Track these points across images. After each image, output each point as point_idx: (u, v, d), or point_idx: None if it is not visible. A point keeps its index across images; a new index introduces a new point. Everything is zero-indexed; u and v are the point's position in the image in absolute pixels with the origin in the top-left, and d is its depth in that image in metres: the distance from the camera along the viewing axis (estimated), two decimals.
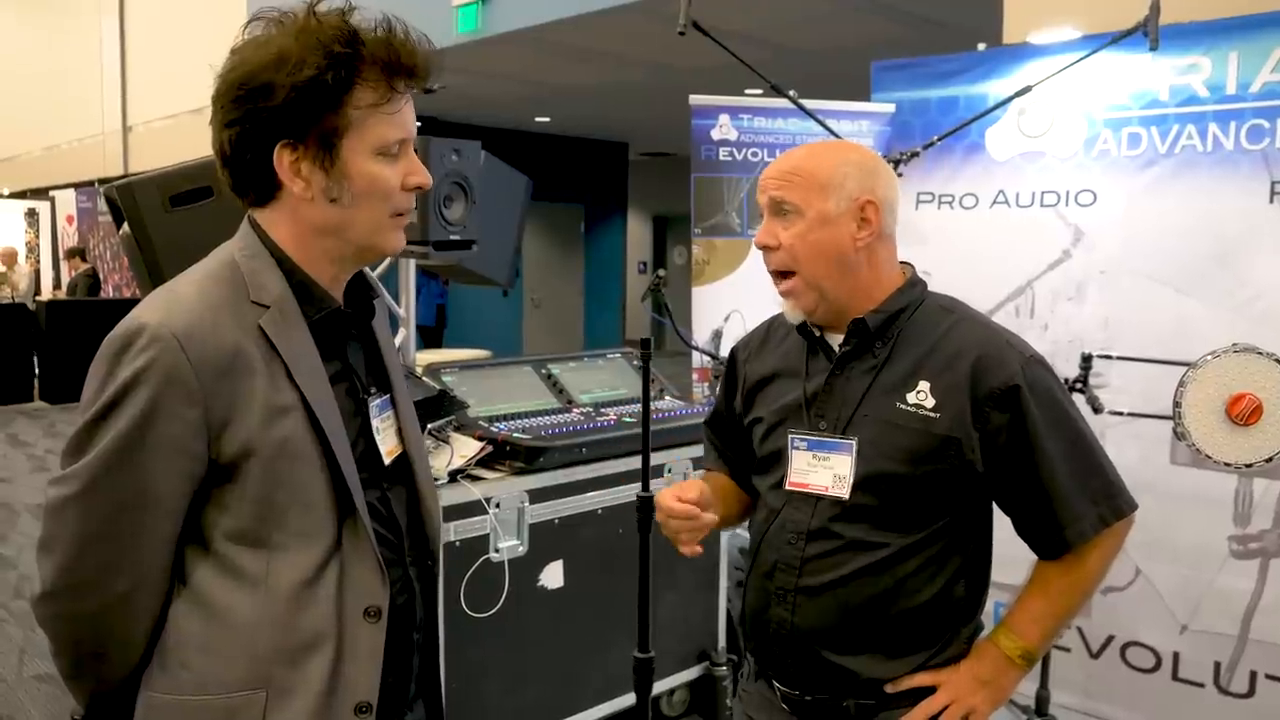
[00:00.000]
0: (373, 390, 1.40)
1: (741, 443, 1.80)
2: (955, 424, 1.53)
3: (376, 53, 1.22)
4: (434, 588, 1.48)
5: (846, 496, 1.57)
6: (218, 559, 1.26)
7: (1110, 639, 3.25)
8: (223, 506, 1.25)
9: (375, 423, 1.38)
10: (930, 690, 1.58)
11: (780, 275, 1.62)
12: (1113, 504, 1.57)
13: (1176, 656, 3.12)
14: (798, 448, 1.63)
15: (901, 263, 1.69)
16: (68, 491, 1.20)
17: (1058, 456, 1.53)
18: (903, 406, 1.56)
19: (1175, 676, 3.13)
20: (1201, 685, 3.07)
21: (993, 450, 1.54)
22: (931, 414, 1.54)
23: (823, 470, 1.60)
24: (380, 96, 1.24)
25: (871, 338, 1.60)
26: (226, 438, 1.21)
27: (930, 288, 1.68)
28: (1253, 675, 2.99)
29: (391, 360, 1.48)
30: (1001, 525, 1.64)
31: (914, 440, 1.54)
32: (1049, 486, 1.54)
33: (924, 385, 1.55)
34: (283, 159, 1.23)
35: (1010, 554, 1.67)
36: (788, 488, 1.63)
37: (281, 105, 1.19)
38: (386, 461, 1.39)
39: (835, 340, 1.64)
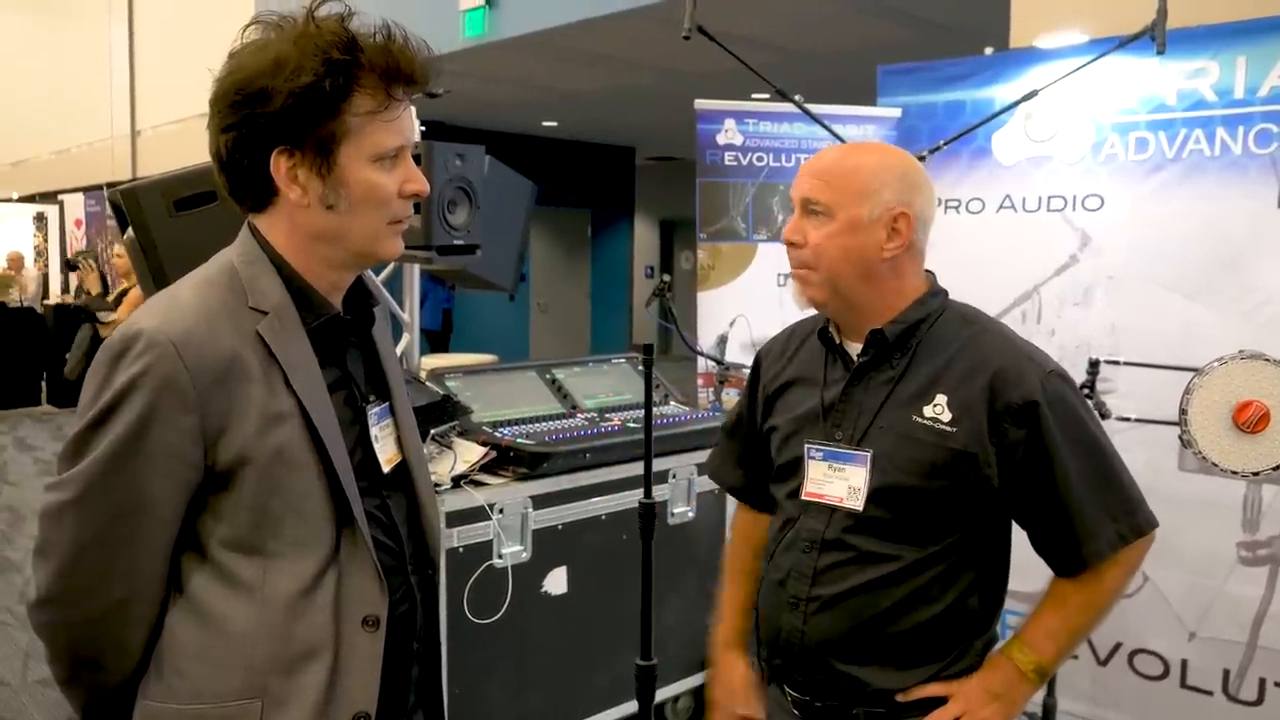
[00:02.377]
0: (372, 398, 1.39)
1: (761, 450, 1.79)
2: (972, 438, 1.50)
3: (375, 60, 1.22)
4: (435, 597, 1.48)
5: (860, 508, 1.56)
6: (214, 567, 1.25)
7: (1118, 646, 3.23)
8: (218, 514, 1.24)
9: (374, 431, 1.37)
10: (941, 701, 1.57)
11: (797, 267, 1.60)
12: (1132, 521, 1.54)
13: (1185, 664, 3.10)
14: (814, 457, 1.62)
15: (925, 270, 1.67)
16: (64, 497, 1.20)
17: (1076, 473, 1.51)
18: (919, 419, 1.53)
19: (1184, 684, 3.11)
20: (1210, 693, 3.05)
21: (1010, 466, 1.51)
22: (948, 428, 1.51)
23: (838, 481, 1.59)
24: (378, 104, 1.23)
25: (890, 348, 1.58)
26: (223, 445, 1.21)
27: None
28: (1262, 682, 2.96)
29: (392, 368, 1.47)
30: (1018, 531, 1.62)
31: (929, 454, 1.52)
32: (1066, 503, 1.51)
33: (941, 398, 1.53)
34: (279, 165, 1.22)
35: (1027, 561, 1.65)
36: (804, 498, 1.62)
37: (279, 111, 1.19)
38: (385, 470, 1.38)
39: (854, 349, 1.62)
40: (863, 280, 1.56)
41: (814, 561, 1.59)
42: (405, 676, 1.39)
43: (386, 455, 1.39)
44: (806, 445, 1.63)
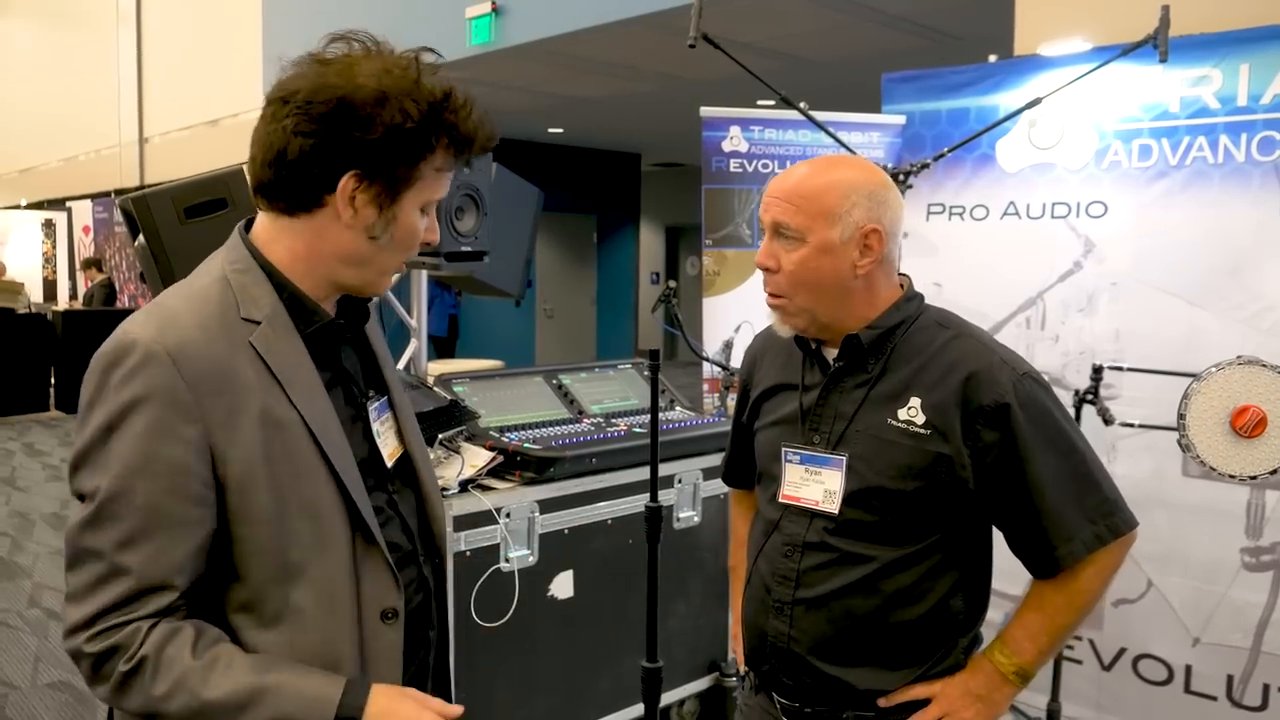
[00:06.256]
0: (371, 394, 1.41)
1: (749, 448, 1.83)
2: (945, 441, 1.52)
3: (463, 127, 1.28)
4: (443, 584, 1.50)
5: (836, 511, 1.58)
6: (241, 607, 1.25)
7: (1122, 651, 3.24)
8: (241, 542, 1.23)
9: (375, 426, 1.39)
10: (925, 702, 1.59)
11: (773, 294, 1.63)
12: (1110, 522, 1.54)
13: (1189, 669, 3.11)
14: (791, 461, 1.65)
15: (900, 274, 1.69)
16: (84, 516, 1.19)
17: (1049, 475, 1.52)
18: (894, 422, 1.56)
19: (1187, 689, 3.11)
20: (1214, 698, 3.06)
21: (983, 468, 1.53)
22: (922, 430, 1.54)
23: (814, 485, 1.62)
24: (446, 162, 1.30)
25: (865, 353, 1.60)
26: (230, 457, 1.21)
27: (941, 299, 1.68)
28: (1265, 688, 2.97)
29: (386, 362, 1.49)
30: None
31: (905, 456, 1.54)
32: (1040, 505, 1.53)
33: (915, 401, 1.55)
34: (347, 186, 1.24)
35: (1014, 563, 1.67)
36: (781, 500, 1.65)
37: (374, 141, 1.22)
38: (389, 464, 1.40)
39: (831, 353, 1.64)
40: (837, 299, 1.58)
41: (796, 565, 1.62)
42: (424, 664, 1.43)
43: (389, 449, 1.41)
44: (784, 449, 1.66)
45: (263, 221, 1.32)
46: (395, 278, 1.38)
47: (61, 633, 1.21)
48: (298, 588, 1.25)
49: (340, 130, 1.22)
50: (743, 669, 1.81)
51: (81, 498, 1.20)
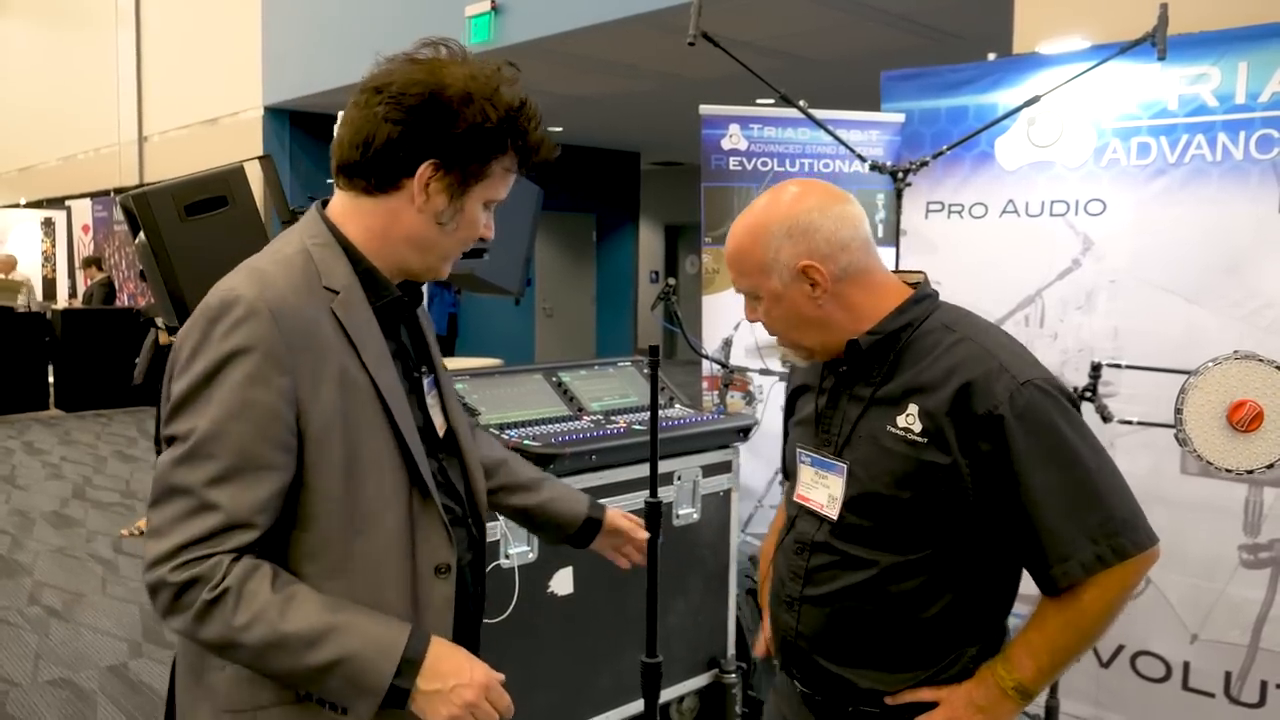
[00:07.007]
0: (423, 369, 1.53)
1: None
2: (942, 450, 1.48)
3: (532, 137, 1.42)
4: (483, 547, 1.62)
5: (835, 517, 1.59)
6: (307, 544, 1.34)
7: (1120, 648, 3.25)
8: (313, 489, 1.32)
9: (428, 399, 1.50)
10: (931, 706, 1.57)
11: (770, 333, 1.69)
12: (1115, 542, 1.44)
13: (1187, 666, 3.12)
14: (803, 462, 1.68)
15: (915, 271, 1.67)
16: (178, 454, 1.27)
17: (1047, 490, 1.45)
18: (892, 430, 1.53)
19: (1186, 686, 3.12)
20: (1212, 695, 3.07)
21: (983, 480, 1.47)
22: (919, 438, 1.50)
23: (820, 488, 1.63)
24: (511, 165, 1.44)
25: (868, 358, 1.58)
26: (313, 410, 1.31)
27: (940, 298, 1.66)
28: (1263, 685, 2.98)
29: (433, 344, 1.60)
30: None
31: (901, 464, 1.51)
32: (1036, 522, 1.46)
33: (913, 408, 1.52)
34: (424, 173, 1.37)
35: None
36: (795, 499, 1.68)
37: (455, 135, 1.35)
38: (440, 435, 1.52)
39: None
40: (817, 328, 1.60)
41: (805, 563, 1.64)
42: (470, 614, 1.54)
43: (437, 423, 1.52)
44: (798, 450, 1.69)
45: (340, 200, 1.44)
46: (449, 269, 1.50)
47: (143, 568, 1.28)
48: (361, 539, 1.35)
49: (427, 121, 1.34)
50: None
51: (171, 440, 1.29)
